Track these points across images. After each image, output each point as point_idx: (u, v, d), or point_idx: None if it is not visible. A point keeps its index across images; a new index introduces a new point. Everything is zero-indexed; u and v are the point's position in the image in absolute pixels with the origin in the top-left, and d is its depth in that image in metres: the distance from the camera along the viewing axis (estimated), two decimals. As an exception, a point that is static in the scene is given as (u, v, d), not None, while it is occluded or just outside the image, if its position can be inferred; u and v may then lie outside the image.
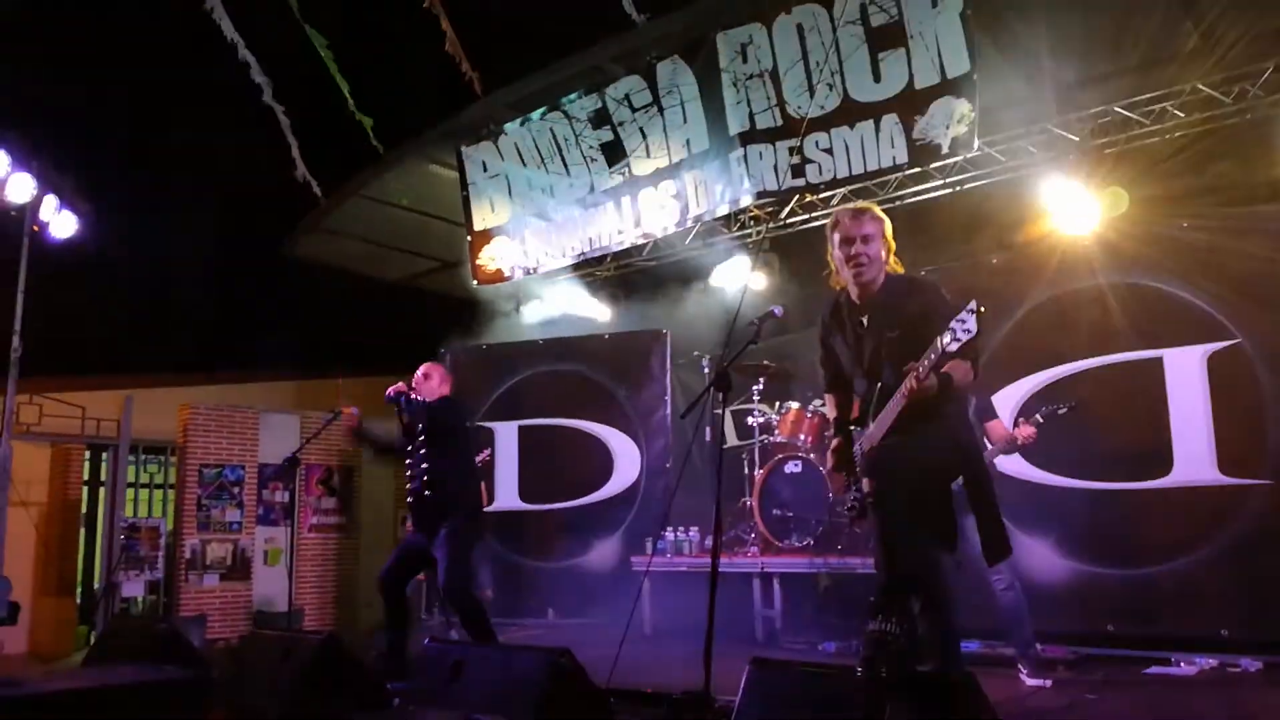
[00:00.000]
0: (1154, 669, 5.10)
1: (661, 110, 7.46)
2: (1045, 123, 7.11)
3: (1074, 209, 7.00)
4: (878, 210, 3.85)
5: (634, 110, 7.60)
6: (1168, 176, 7.26)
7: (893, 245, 3.81)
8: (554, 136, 8.12)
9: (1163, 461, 5.46)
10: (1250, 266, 5.33)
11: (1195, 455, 5.38)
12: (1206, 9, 6.31)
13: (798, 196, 7.86)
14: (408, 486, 5.27)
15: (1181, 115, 6.60)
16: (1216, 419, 5.33)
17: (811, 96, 6.66)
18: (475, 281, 9.03)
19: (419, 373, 5.51)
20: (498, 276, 8.90)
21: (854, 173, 6.65)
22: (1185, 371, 5.45)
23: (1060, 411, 5.03)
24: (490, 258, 8.87)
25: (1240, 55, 6.45)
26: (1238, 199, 5.67)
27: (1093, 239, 6.08)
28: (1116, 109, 6.83)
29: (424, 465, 5.18)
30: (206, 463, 8.80)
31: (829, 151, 6.66)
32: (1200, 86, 6.52)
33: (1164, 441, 5.47)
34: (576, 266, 9.21)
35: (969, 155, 6.52)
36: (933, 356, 3.33)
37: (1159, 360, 5.51)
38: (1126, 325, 5.53)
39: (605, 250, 8.32)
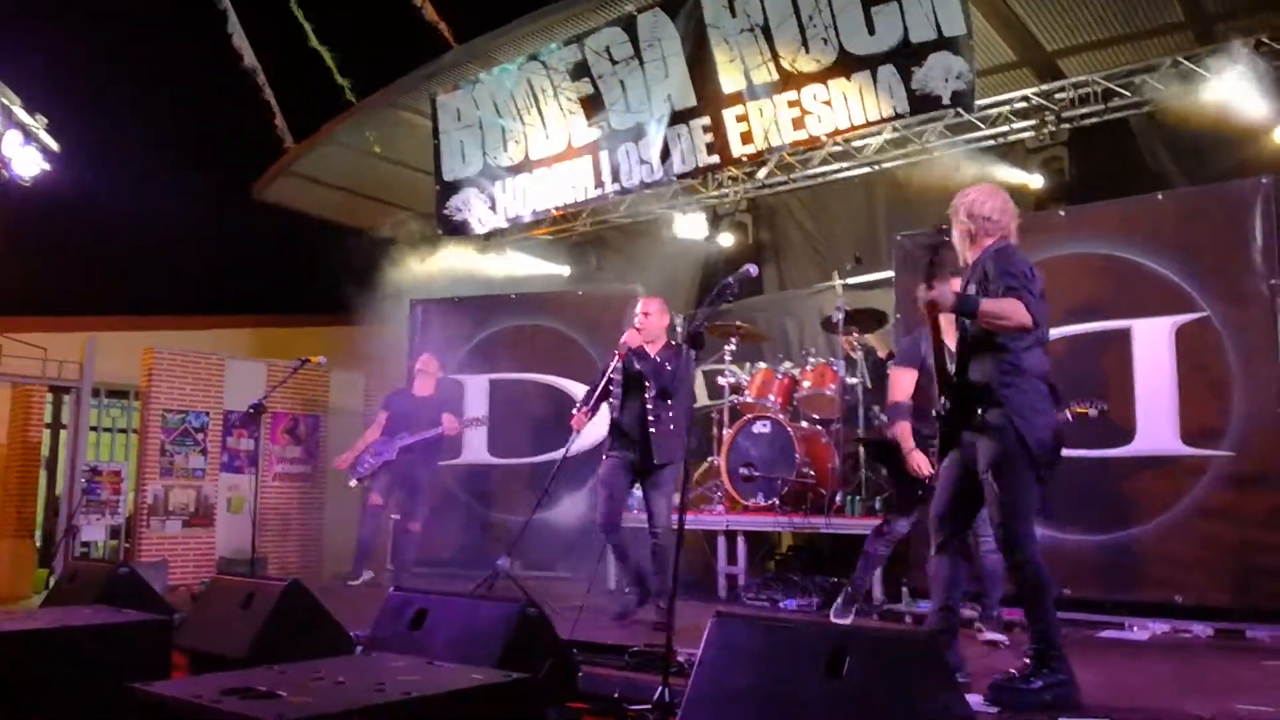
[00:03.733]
0: (1107, 633, 5.20)
1: (642, 63, 7.38)
2: (1026, 89, 7.12)
3: (1052, 178, 7.04)
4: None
5: (614, 63, 7.51)
6: (1142, 148, 7.32)
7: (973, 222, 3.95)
8: (531, 87, 8.02)
9: (1126, 430, 5.53)
10: (1222, 240, 5.38)
11: (1158, 425, 5.45)
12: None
13: (776, 157, 7.84)
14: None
15: (1161, 88, 6.62)
16: (1182, 390, 5.40)
17: (806, 50, 6.63)
18: (440, 231, 8.95)
19: (640, 312, 5.68)
20: (464, 228, 8.82)
21: (855, 123, 6.67)
22: (1153, 342, 5.51)
23: (1092, 414, 4.90)
24: (457, 208, 8.78)
25: (1221, 30, 6.48)
26: (1212, 173, 5.70)
27: (1067, 209, 6.10)
28: (1097, 79, 6.84)
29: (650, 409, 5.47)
30: (170, 408, 8.69)
31: (828, 104, 6.66)
32: (1180, 60, 6.54)
33: (1128, 410, 5.53)
34: (553, 221, 9.15)
35: (968, 111, 6.53)
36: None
37: (1127, 330, 5.56)
38: (1097, 295, 5.56)
39: (580, 205, 8.26)
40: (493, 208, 8.60)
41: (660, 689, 3.40)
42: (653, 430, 5.46)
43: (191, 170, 11.17)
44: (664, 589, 5.26)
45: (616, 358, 5.58)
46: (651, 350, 5.66)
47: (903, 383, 5.04)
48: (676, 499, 5.24)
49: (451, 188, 8.77)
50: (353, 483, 7.17)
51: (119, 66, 10.98)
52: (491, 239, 9.71)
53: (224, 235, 11.43)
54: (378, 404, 7.95)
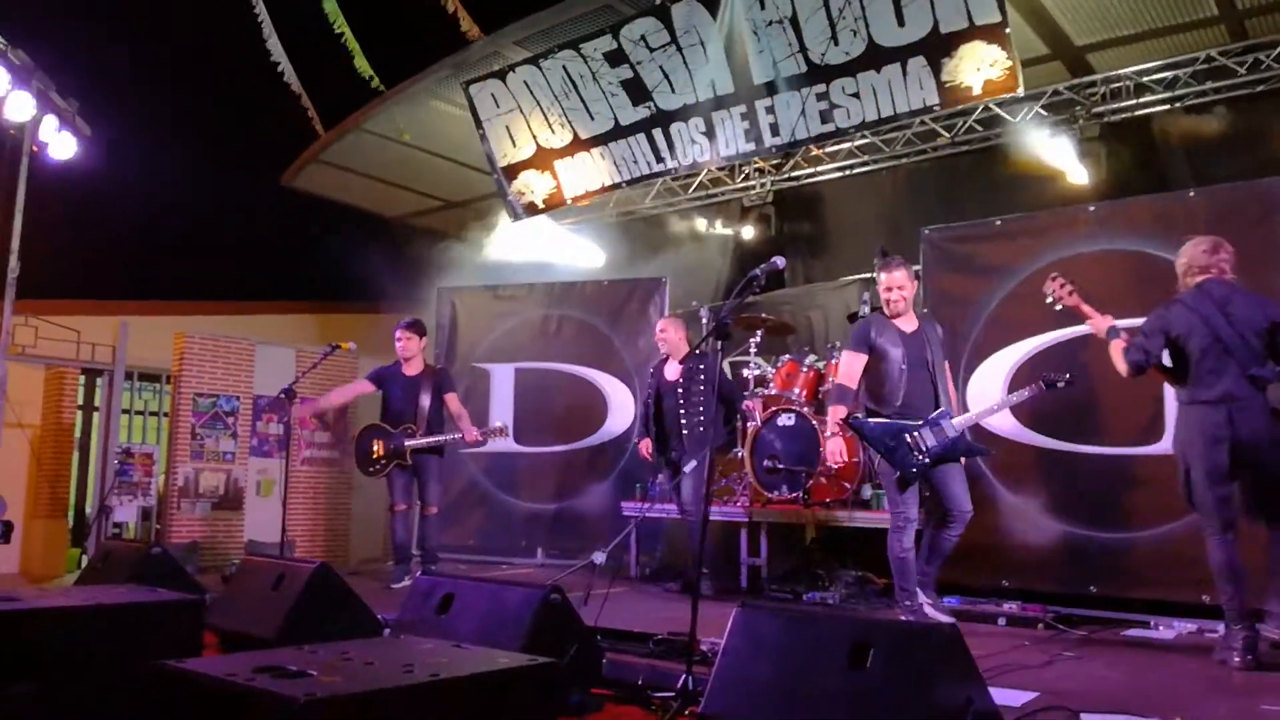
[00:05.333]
0: (1133, 631, 5.18)
1: (680, 49, 7.35)
2: (1057, 84, 7.06)
3: (1080, 174, 6.98)
4: None
5: (651, 50, 7.48)
6: (1175, 144, 7.24)
7: None
8: (567, 73, 7.98)
9: (1155, 428, 5.50)
10: (1252, 237, 5.32)
11: (1187, 424, 5.40)
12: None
13: (803, 150, 7.81)
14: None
15: (1194, 84, 6.56)
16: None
17: (835, 43, 6.60)
18: (512, 217, 8.91)
19: (659, 330, 6.61)
20: (533, 210, 8.78)
21: (883, 115, 6.64)
22: (1182, 340, 5.45)
23: (1059, 384, 5.07)
24: (519, 191, 8.75)
25: (1256, 26, 6.40)
26: (1245, 169, 5.64)
27: (1096, 205, 6.06)
28: (1128, 74, 6.78)
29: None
30: (201, 392, 8.80)
31: (856, 96, 6.65)
32: (1214, 55, 6.47)
33: (1158, 408, 5.49)
34: (579, 210, 9.15)
35: (1008, 98, 6.45)
36: None
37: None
38: (1127, 292, 5.51)
39: (640, 178, 8.19)
40: (557, 186, 8.56)
41: (684, 677, 3.42)
42: (685, 433, 6.23)
43: (223, 157, 11.28)
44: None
45: (649, 389, 6.56)
46: (676, 361, 6.41)
47: (852, 368, 5.09)
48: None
49: (510, 173, 8.72)
50: (361, 476, 7.15)
51: (151, 53, 11.09)
52: (520, 226, 9.74)
53: (255, 222, 11.53)
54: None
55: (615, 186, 8.39)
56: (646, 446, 6.61)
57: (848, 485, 6.53)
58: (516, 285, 9.07)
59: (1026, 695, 3.51)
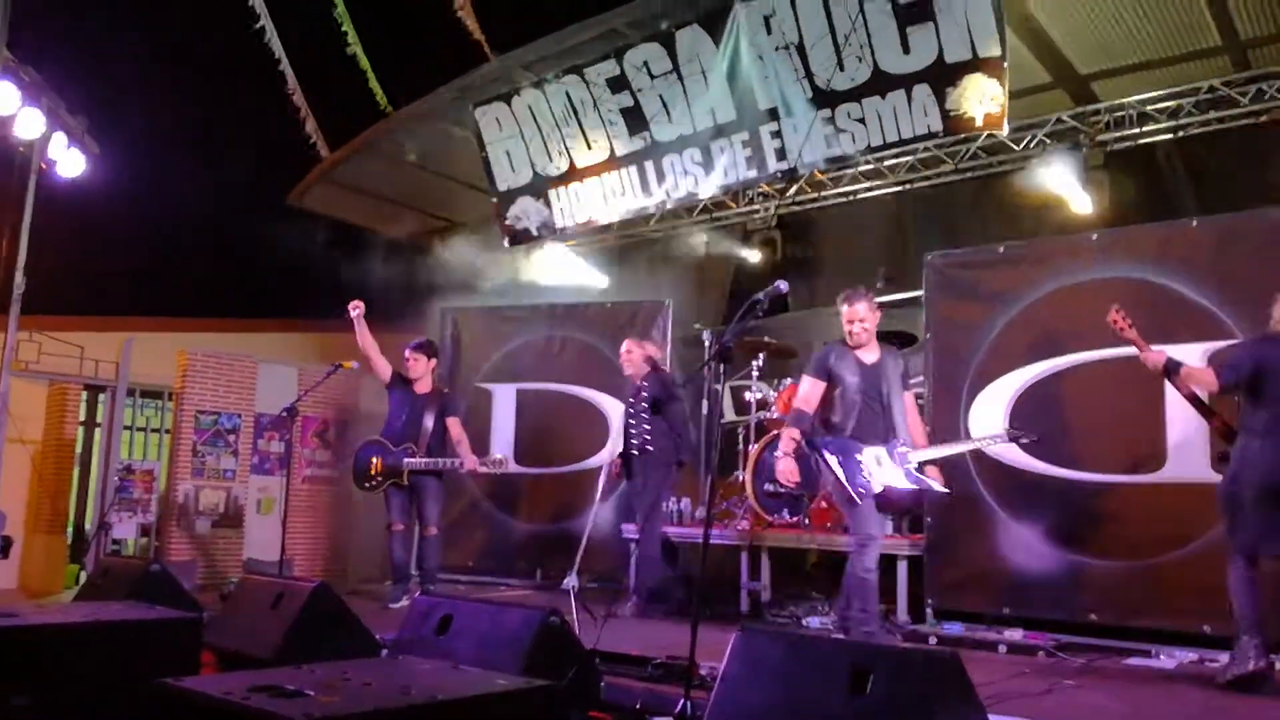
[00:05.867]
0: (1134, 660, 5.15)
1: (681, 78, 7.43)
2: (1060, 113, 7.10)
3: (1083, 202, 7.01)
4: None
5: (653, 77, 7.56)
6: (1177, 173, 7.28)
7: None
8: (569, 100, 8.07)
9: (1156, 456, 5.49)
10: (1254, 267, 5.34)
11: (1189, 451, 5.40)
12: (1228, 7, 6.30)
13: (806, 175, 7.85)
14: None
15: (1197, 113, 6.60)
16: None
17: (841, 69, 6.65)
18: (506, 242, 9.00)
19: (624, 352, 6.64)
20: (526, 236, 8.87)
21: (888, 140, 6.70)
22: (1184, 368, 5.46)
23: (1022, 441, 5.33)
24: (517, 217, 8.83)
25: (1259, 56, 6.44)
26: (1248, 199, 5.66)
27: (1099, 233, 6.08)
28: (1131, 103, 6.82)
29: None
30: (203, 409, 8.80)
31: (862, 121, 6.71)
32: (1216, 85, 6.51)
33: (1159, 436, 5.49)
34: (583, 233, 9.20)
35: (999, 136, 6.52)
36: None
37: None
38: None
39: (629, 213, 8.28)
40: (550, 216, 8.65)
41: (682, 701, 3.41)
42: (635, 454, 6.40)
43: (230, 176, 11.35)
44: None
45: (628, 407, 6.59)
46: (635, 381, 6.56)
47: (809, 394, 5.16)
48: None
49: (508, 198, 8.83)
50: (359, 495, 7.13)
51: (160, 71, 11.18)
52: (522, 248, 9.78)
53: (260, 240, 11.58)
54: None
55: (605, 227, 8.51)
56: (615, 465, 6.66)
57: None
58: (520, 306, 9.08)
59: (1027, 724, 3.50)
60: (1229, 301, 5.38)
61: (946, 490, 5.30)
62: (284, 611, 4.06)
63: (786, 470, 5.11)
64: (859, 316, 5.07)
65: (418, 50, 9.65)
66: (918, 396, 5.29)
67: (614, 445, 6.81)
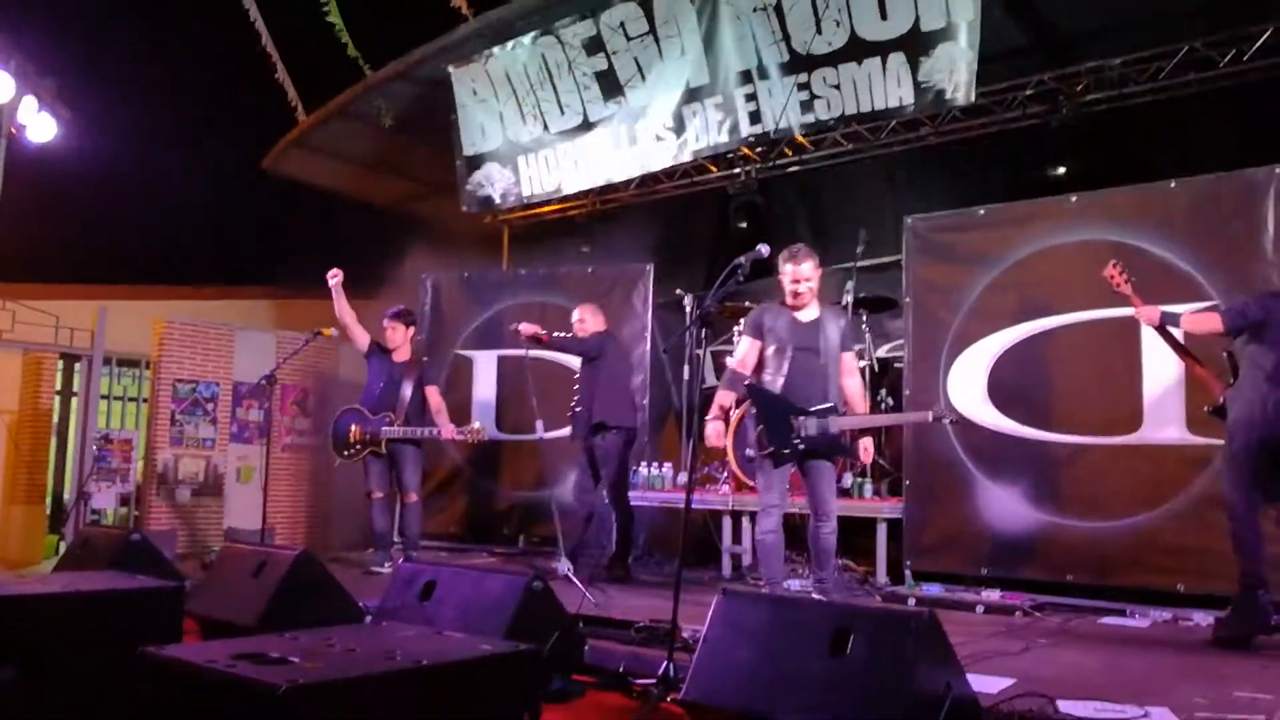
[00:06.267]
0: (1109, 619, 5.24)
1: (658, 40, 7.36)
2: (1040, 74, 7.08)
3: (1064, 163, 7.02)
4: None
5: (629, 39, 7.49)
6: (1156, 135, 7.28)
7: None
8: (545, 62, 8.00)
9: (1133, 418, 5.55)
10: (1232, 228, 5.37)
11: (1165, 413, 5.46)
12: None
13: (785, 139, 7.80)
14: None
15: (1177, 75, 6.59)
16: (1188, 378, 5.40)
17: (819, 33, 6.59)
18: (465, 208, 8.95)
19: (576, 320, 6.74)
20: (488, 203, 8.83)
21: (861, 110, 6.65)
22: (1161, 331, 5.50)
23: (945, 420, 5.26)
24: (480, 184, 8.78)
25: (1238, 17, 6.43)
26: (1225, 161, 5.67)
27: (1078, 195, 6.09)
28: (1111, 64, 6.81)
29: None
30: (181, 378, 8.74)
31: (837, 88, 6.66)
32: (1196, 46, 6.50)
33: (1135, 398, 5.55)
34: (563, 198, 9.15)
35: (968, 104, 6.48)
36: None
37: (1135, 318, 5.54)
38: (1106, 281, 5.54)
39: (600, 181, 8.25)
40: (516, 183, 8.59)
41: (665, 663, 3.44)
42: (581, 410, 6.56)
43: (205, 140, 11.17)
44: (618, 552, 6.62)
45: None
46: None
47: (746, 354, 5.07)
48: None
49: (473, 163, 8.76)
50: (337, 463, 7.11)
51: (133, 34, 10.96)
52: (505, 215, 9.72)
53: (236, 206, 11.44)
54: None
55: (572, 196, 8.45)
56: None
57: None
58: (500, 273, 9.01)
59: (1004, 682, 3.55)
60: (1206, 262, 5.42)
61: (865, 462, 5.37)
62: (267, 579, 4.06)
63: (713, 433, 5.03)
64: (804, 276, 4.92)
65: (398, 11, 9.49)
66: (894, 361, 5.25)
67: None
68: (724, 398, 5.08)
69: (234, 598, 4.09)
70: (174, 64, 11.01)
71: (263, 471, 7.16)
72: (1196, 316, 4.64)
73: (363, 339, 6.97)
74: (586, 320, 6.71)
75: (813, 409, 4.84)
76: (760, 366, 5.04)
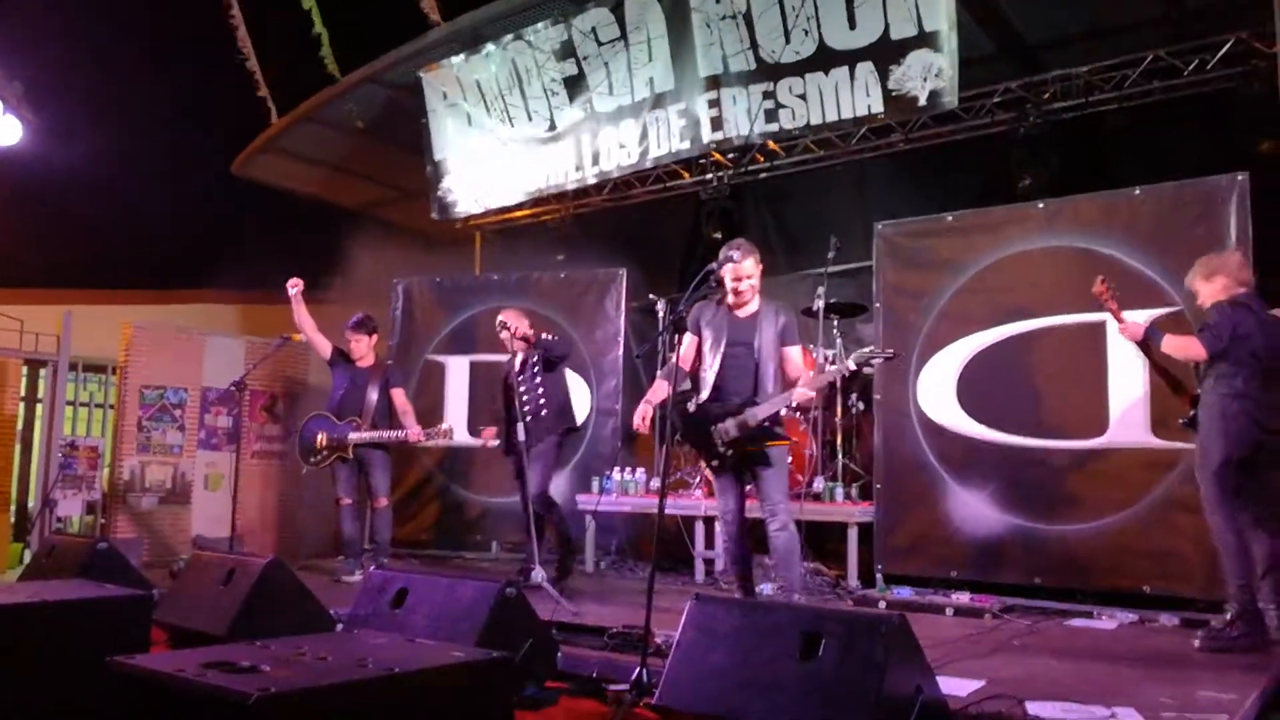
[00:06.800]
0: (1077, 621, 5.30)
1: (628, 46, 7.36)
2: (1008, 82, 7.16)
3: (1031, 171, 7.09)
4: None
5: (600, 44, 7.48)
6: (1122, 143, 7.38)
7: None
8: (515, 68, 7.99)
9: (1099, 422, 5.62)
10: (1196, 235, 5.46)
11: (1131, 417, 5.54)
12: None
13: (760, 143, 7.83)
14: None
15: (1142, 83, 6.69)
16: (1153, 383, 5.48)
17: (787, 41, 6.60)
18: (435, 214, 8.93)
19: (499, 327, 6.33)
20: (456, 209, 8.81)
21: (828, 120, 6.63)
22: (1127, 336, 5.58)
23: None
24: (449, 189, 8.76)
25: (1202, 27, 6.53)
26: (1189, 168, 5.76)
27: (1046, 202, 6.17)
28: (1078, 73, 6.90)
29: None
30: (148, 384, 8.64)
31: (803, 98, 6.64)
32: (1161, 55, 6.60)
33: (1101, 402, 5.62)
34: (535, 203, 9.15)
35: (949, 109, 6.51)
36: None
37: (1102, 324, 5.63)
38: (1073, 288, 5.61)
39: (562, 188, 8.25)
40: (481, 188, 8.57)
41: (638, 669, 3.44)
42: (527, 420, 6.14)
43: (174, 143, 11.06)
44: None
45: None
46: (522, 354, 6.36)
47: (686, 350, 4.90)
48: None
49: (442, 167, 8.74)
50: (304, 470, 7.05)
51: (101, 37, 10.84)
52: (477, 220, 9.70)
53: (205, 210, 11.33)
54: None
55: (533, 201, 8.48)
56: (490, 434, 6.63)
57: (800, 478, 6.59)
58: (473, 277, 8.98)
59: (974, 684, 3.59)
60: (1170, 268, 5.50)
61: (801, 402, 4.90)
62: (236, 587, 4.03)
63: (638, 414, 4.88)
64: (746, 273, 4.73)
65: (373, 15, 9.45)
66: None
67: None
68: (656, 392, 4.94)
69: (203, 606, 4.06)
70: (143, 67, 10.90)
71: (231, 478, 7.09)
72: (1178, 341, 4.65)
73: (324, 347, 6.94)
74: (516, 327, 6.34)
75: (730, 409, 4.68)
76: (697, 361, 4.94)
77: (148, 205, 10.96)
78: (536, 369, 6.30)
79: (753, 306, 4.84)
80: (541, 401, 6.28)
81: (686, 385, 5.13)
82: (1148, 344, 4.77)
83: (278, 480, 9.35)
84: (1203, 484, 4.59)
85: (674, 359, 4.90)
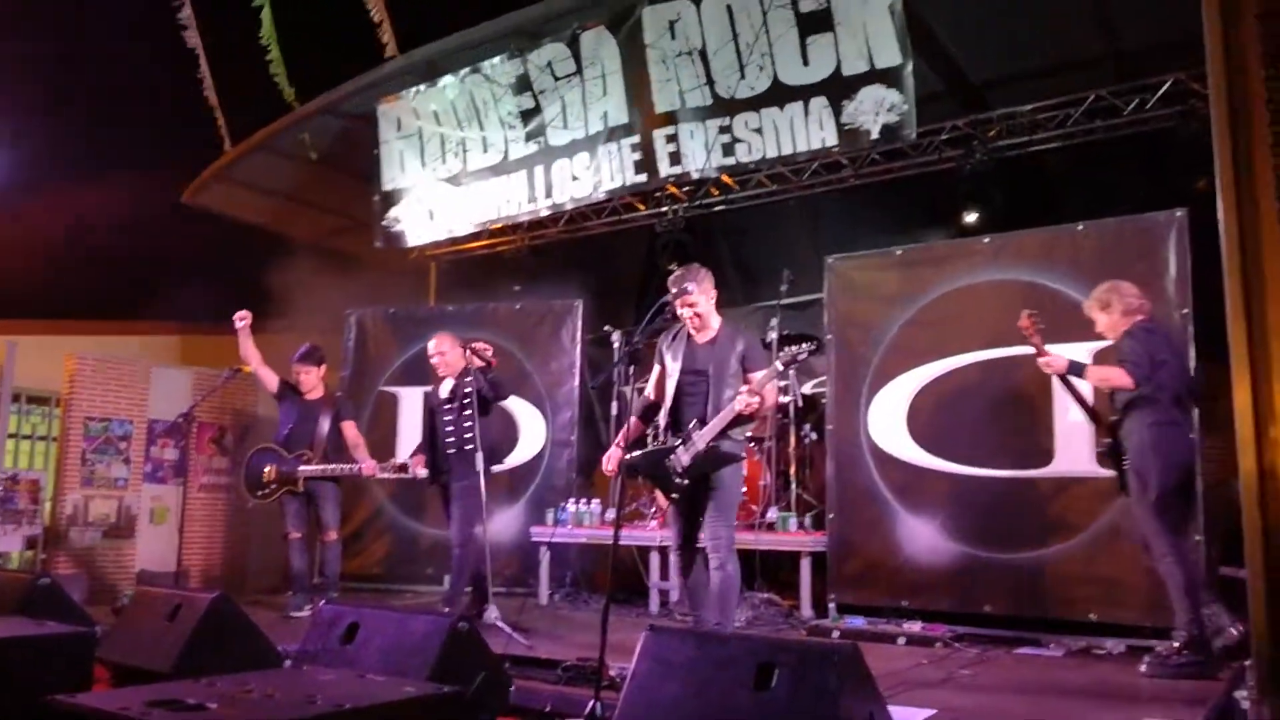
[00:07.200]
0: (1025, 649, 5.37)
1: (583, 80, 7.42)
2: (955, 120, 7.33)
3: (977, 206, 7.25)
4: None
5: (556, 79, 7.54)
6: (1065, 179, 7.58)
7: None
8: (473, 100, 8.02)
9: (1045, 451, 5.72)
10: (1137, 270, 5.60)
11: (1075, 447, 5.65)
12: (1114, 19, 6.59)
13: (712, 179, 7.92)
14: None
15: (1084, 122, 6.88)
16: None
17: (742, 77, 6.70)
18: (379, 243, 8.89)
19: (434, 351, 6.29)
20: (401, 239, 8.78)
21: (783, 153, 6.71)
22: (1071, 367, 5.71)
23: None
24: (396, 219, 8.74)
25: (1142, 67, 6.75)
26: (1131, 205, 5.93)
27: (991, 237, 6.31)
28: (1022, 111, 7.08)
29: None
30: (92, 415, 8.48)
31: (759, 131, 6.72)
32: (1102, 94, 6.80)
33: (1047, 432, 5.73)
34: (491, 234, 9.15)
35: (906, 144, 6.62)
36: None
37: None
38: (1017, 320, 5.72)
39: (514, 219, 8.26)
40: (430, 219, 8.56)
41: (592, 703, 3.42)
42: (451, 453, 6.10)
43: (122, 171, 10.92)
44: (455, 593, 6.17)
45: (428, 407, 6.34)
46: (454, 379, 6.22)
47: (655, 382, 4.87)
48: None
49: (390, 198, 8.73)
50: (250, 504, 6.93)
51: (47, 62, 10.71)
52: (431, 251, 9.68)
53: (153, 239, 11.18)
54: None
55: (489, 233, 8.48)
56: (418, 462, 6.34)
57: (755, 508, 6.63)
58: (427, 309, 8.94)
59: (925, 712, 3.62)
60: (1113, 303, 5.62)
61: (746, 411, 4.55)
62: (182, 623, 3.94)
63: (606, 459, 4.81)
64: (688, 301, 4.63)
65: (332, 46, 9.43)
66: (819, 397, 5.14)
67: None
68: (629, 424, 4.81)
69: (147, 643, 3.97)
70: (91, 93, 10.78)
71: (178, 512, 6.95)
72: (1103, 372, 4.77)
73: (271, 380, 6.85)
74: (448, 352, 6.24)
75: (678, 438, 4.59)
76: (657, 389, 4.86)
77: (94, 234, 10.81)
78: (468, 401, 6.04)
79: (711, 332, 4.74)
80: (468, 436, 6.01)
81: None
82: (1068, 377, 4.88)
83: (225, 514, 9.19)
84: (1142, 517, 4.68)
85: (645, 394, 4.90)
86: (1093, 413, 5.04)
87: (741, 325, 5.08)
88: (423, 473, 6.34)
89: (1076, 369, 4.80)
